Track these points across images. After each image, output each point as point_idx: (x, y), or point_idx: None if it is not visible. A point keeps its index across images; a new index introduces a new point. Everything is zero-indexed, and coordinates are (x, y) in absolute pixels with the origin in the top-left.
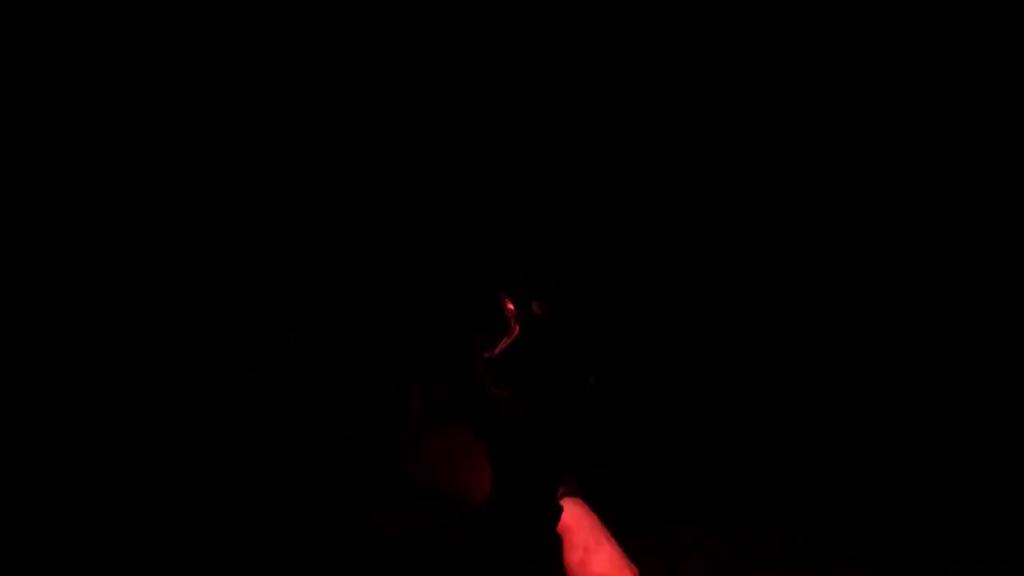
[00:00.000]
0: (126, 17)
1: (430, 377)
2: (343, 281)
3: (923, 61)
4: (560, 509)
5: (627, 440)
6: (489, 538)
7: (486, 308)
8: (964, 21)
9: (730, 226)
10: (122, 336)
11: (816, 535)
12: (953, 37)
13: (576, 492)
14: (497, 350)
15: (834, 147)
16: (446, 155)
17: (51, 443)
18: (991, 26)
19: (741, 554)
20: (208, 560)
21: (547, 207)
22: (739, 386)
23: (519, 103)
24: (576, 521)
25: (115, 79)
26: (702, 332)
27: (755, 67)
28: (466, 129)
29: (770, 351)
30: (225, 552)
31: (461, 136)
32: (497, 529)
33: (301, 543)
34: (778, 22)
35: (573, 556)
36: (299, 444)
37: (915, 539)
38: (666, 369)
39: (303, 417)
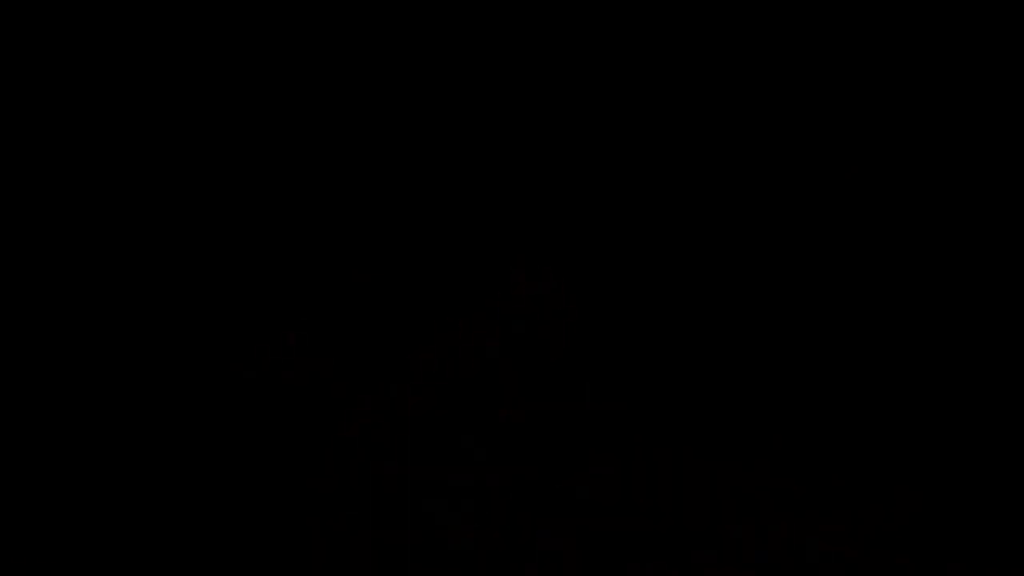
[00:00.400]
0: (126, 17)
1: (442, 340)
2: (343, 281)
3: (923, 61)
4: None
5: (627, 440)
6: (503, 497)
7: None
8: (964, 21)
9: (730, 226)
10: (122, 336)
11: (816, 535)
12: (953, 37)
13: None
14: (509, 313)
15: (834, 147)
16: (446, 155)
17: (51, 443)
18: (991, 26)
19: (741, 554)
20: (208, 560)
21: (548, 206)
22: (739, 386)
23: (520, 103)
24: None
25: (115, 79)
26: (702, 332)
27: (755, 67)
28: (466, 128)
29: (770, 351)
30: (225, 552)
31: (461, 136)
32: (511, 488)
33: (301, 543)
34: (778, 22)
35: None
36: (299, 444)
37: (915, 539)
38: (666, 369)
39: (303, 417)
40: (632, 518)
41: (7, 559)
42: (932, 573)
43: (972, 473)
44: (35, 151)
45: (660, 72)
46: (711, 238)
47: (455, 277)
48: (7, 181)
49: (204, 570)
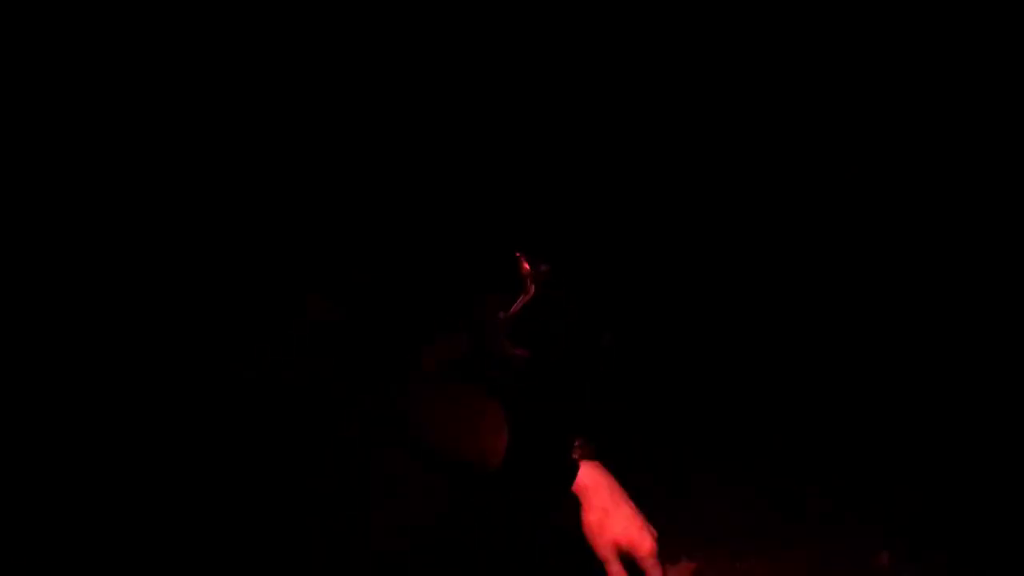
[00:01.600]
0: (126, 17)
1: (444, 338)
2: (343, 281)
3: (923, 61)
4: (576, 466)
5: (627, 440)
6: (505, 497)
7: (501, 269)
8: (964, 21)
9: (730, 225)
10: (122, 336)
11: (816, 535)
12: (953, 37)
13: (593, 455)
14: (513, 310)
15: (834, 147)
16: (446, 154)
17: (51, 443)
18: (991, 26)
19: (741, 554)
20: (208, 560)
21: (548, 206)
22: (739, 386)
23: (520, 102)
24: (595, 482)
25: (115, 79)
26: (702, 332)
27: (755, 67)
28: (466, 128)
29: (770, 351)
30: (225, 552)
31: (461, 135)
32: (513, 487)
33: (301, 543)
34: (778, 22)
35: (592, 516)
36: (299, 444)
37: (915, 539)
38: (666, 369)
39: (303, 417)
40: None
41: (7, 559)
42: (932, 573)
43: (972, 473)
44: (35, 151)
45: (660, 72)
46: (712, 239)
47: (455, 277)
48: (7, 181)
49: (204, 570)
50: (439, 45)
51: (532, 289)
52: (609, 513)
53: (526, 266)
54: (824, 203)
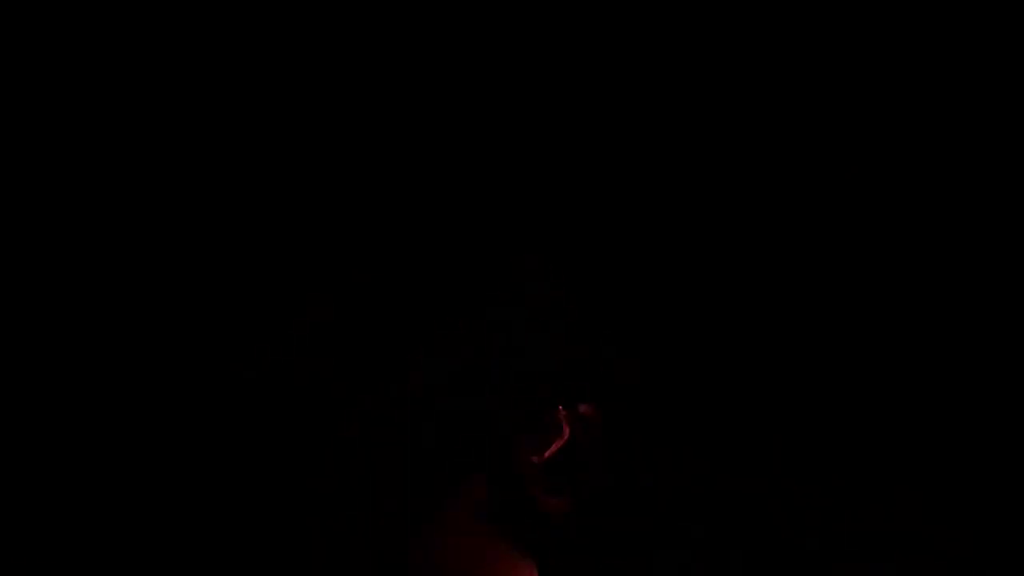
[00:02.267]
0: (126, 17)
1: (467, 488)
2: (343, 281)
3: (923, 61)
4: None
5: (627, 440)
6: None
7: (532, 409)
8: (964, 21)
9: (731, 225)
10: (122, 335)
11: (816, 535)
12: (953, 37)
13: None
14: (547, 454)
15: (834, 147)
16: (448, 155)
17: (50, 443)
18: (991, 26)
19: (741, 554)
20: (208, 560)
21: (549, 207)
22: (739, 386)
23: (522, 102)
24: None
25: (115, 79)
26: (702, 332)
27: (755, 67)
28: (469, 129)
29: (770, 351)
30: (225, 552)
31: (463, 136)
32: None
33: (301, 544)
34: (778, 22)
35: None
36: (299, 444)
37: (915, 539)
38: (665, 369)
39: (303, 417)
40: (632, 518)
41: (7, 559)
42: (932, 573)
43: (972, 473)
44: (35, 151)
45: (661, 75)
46: (712, 238)
47: (456, 277)
48: (7, 181)
49: (204, 570)
50: (441, 45)
51: (568, 432)
52: None
53: (561, 408)
54: (824, 203)
